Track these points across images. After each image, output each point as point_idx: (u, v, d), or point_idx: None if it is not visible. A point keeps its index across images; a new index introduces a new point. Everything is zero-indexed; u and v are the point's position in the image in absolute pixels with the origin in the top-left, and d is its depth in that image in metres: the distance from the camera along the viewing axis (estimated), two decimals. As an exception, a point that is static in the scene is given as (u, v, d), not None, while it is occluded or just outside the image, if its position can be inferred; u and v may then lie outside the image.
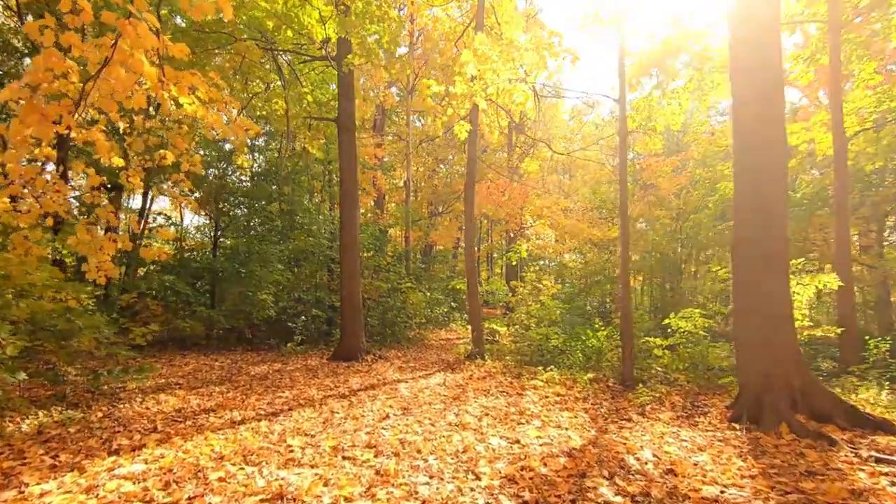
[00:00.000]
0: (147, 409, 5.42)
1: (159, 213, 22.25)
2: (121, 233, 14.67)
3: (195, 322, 10.70)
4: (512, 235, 21.07)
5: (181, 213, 19.43)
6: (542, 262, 17.70)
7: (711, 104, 13.30)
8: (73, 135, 4.47)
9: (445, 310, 17.81)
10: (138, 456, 3.84)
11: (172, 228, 13.82)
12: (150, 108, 6.57)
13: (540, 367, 8.24)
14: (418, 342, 13.43)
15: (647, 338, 7.82)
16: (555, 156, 17.49)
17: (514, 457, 4.05)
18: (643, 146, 13.20)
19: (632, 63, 10.67)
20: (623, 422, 5.47)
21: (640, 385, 6.99)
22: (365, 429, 4.87)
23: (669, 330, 7.98)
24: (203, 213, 14.19)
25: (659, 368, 7.39)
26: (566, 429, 5.14)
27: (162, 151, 5.92)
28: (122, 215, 14.55)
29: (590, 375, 7.19)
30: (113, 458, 3.80)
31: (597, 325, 8.34)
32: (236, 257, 12.22)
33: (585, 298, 14.52)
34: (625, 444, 4.52)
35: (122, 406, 5.37)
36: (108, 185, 13.47)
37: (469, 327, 13.89)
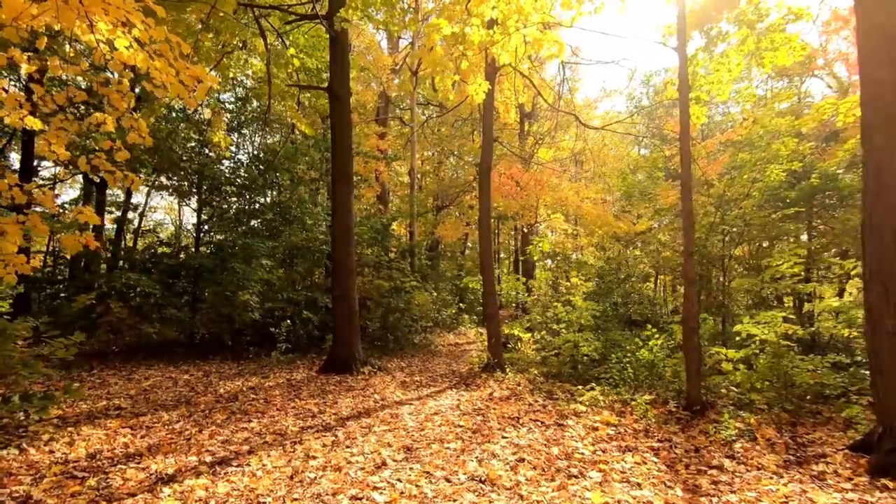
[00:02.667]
0: (50, 453, 3.90)
1: (154, 210, 21.00)
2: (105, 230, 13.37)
3: (165, 327, 9.22)
4: (525, 231, 19.49)
5: (180, 212, 18.07)
6: (557, 259, 16.11)
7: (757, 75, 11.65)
8: None
9: (454, 311, 16.25)
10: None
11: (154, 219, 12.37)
12: (70, 47, 4.98)
13: (577, 385, 6.67)
14: (424, 348, 11.88)
15: (713, 348, 6.21)
16: (577, 142, 15.96)
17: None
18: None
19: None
20: (713, 471, 3.89)
21: (710, 410, 5.42)
22: (350, 489, 3.33)
23: (738, 338, 6.39)
24: (185, 203, 12.74)
25: (733, 388, 5.79)
26: (638, 484, 3.58)
27: (98, 115, 4.46)
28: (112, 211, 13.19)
29: (646, 398, 5.60)
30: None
31: (648, 332, 6.71)
32: (220, 253, 10.77)
33: (606, 300, 12.91)
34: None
35: (10, 451, 3.85)
36: (89, 176, 12.09)
37: (482, 332, 12.34)
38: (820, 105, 9.43)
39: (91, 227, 7.29)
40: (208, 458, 3.85)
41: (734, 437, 4.58)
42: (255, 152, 12.76)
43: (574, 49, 13.79)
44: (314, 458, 3.96)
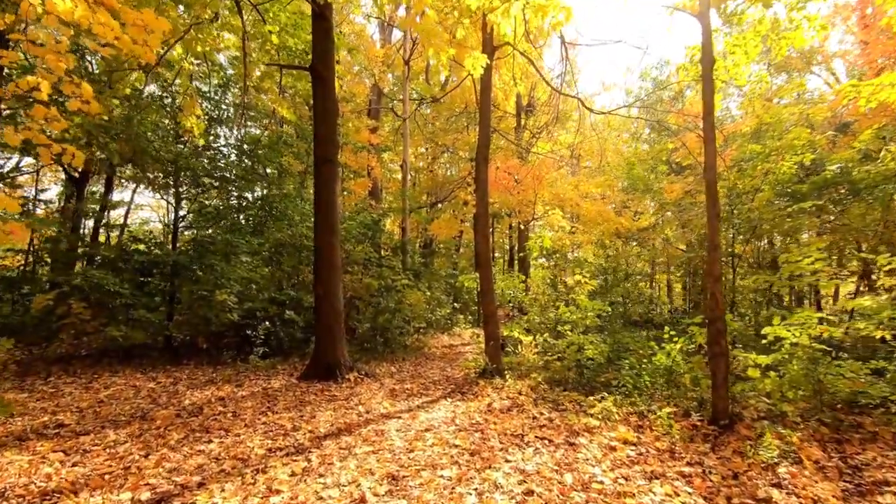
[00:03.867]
0: (-53, 490, 3.16)
1: (141, 207, 20.09)
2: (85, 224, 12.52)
3: (134, 330, 8.45)
4: (522, 228, 18.84)
5: (169, 209, 17.18)
6: (556, 257, 15.45)
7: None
8: None
9: (448, 311, 15.54)
10: None
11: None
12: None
13: (585, 394, 6.00)
14: (416, 351, 11.17)
15: (741, 352, 5.55)
16: (577, 135, 15.24)
17: None
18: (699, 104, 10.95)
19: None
20: (761, 505, 3.22)
21: (739, 424, 4.76)
22: (316, 540, 2.62)
23: (763, 341, 5.74)
24: (161, 196, 11.95)
25: (764, 399, 5.14)
26: (675, 527, 2.90)
27: (30, 78, 3.74)
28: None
29: (667, 410, 4.93)
30: None
31: (667, 334, 6.02)
32: (199, 250, 10.02)
33: (606, 299, 12.24)
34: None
35: None
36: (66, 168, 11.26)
37: (479, 333, 11.68)
38: (842, 88, 8.81)
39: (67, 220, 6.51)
40: (145, 496, 3.12)
41: (776, 460, 3.91)
42: (237, 143, 11.98)
43: (576, 30, 13.08)
44: (277, 492, 3.24)
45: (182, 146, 9.97)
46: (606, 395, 5.75)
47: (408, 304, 11.52)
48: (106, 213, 13.75)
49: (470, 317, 19.28)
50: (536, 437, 4.56)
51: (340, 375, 7.21)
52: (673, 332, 5.59)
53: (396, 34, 20.05)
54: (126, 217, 15.40)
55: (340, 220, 12.58)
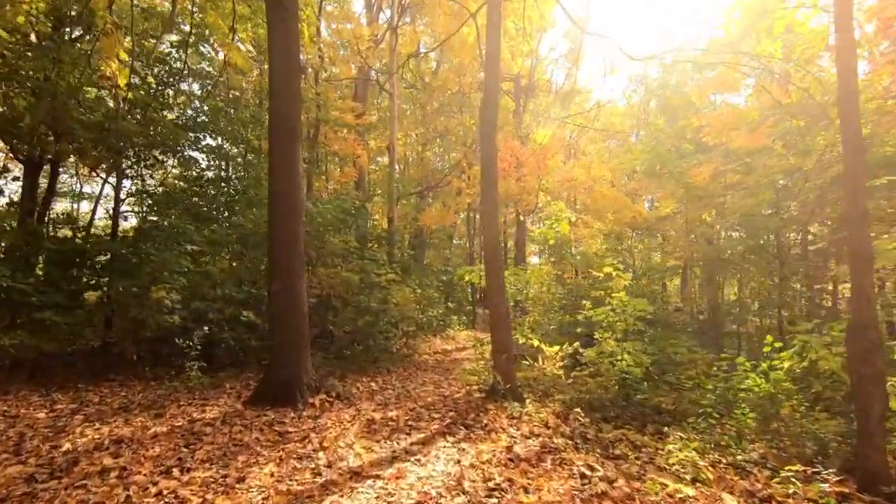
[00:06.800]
0: None
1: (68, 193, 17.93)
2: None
3: (35, 336, 6.50)
4: (522, 219, 17.11)
5: (114, 188, 15.00)
6: (564, 251, 13.75)
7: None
8: None
9: (441, 311, 13.72)
10: None
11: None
12: None
13: (636, 427, 4.25)
14: (405, 360, 9.35)
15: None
16: (584, 115, 13.57)
17: None
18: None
19: None
20: None
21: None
22: None
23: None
24: (95, 175, 9.94)
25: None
26: None
27: None
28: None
29: (790, 467, 3.19)
30: None
31: (769, 345, 4.17)
32: (141, 237, 8.19)
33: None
34: None
35: None
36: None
37: (476, 336, 9.99)
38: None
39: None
40: None
41: None
42: (191, 112, 10.00)
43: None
44: None
45: (115, 110, 8.02)
46: (666, 428, 4.02)
47: (394, 303, 9.69)
48: (49, 204, 11.68)
49: (464, 317, 17.52)
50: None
51: (302, 399, 5.38)
52: (779, 344, 3.87)
53: (383, 17, 18.24)
54: (95, 208, 13.28)
55: (316, 203, 10.79)
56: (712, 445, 3.81)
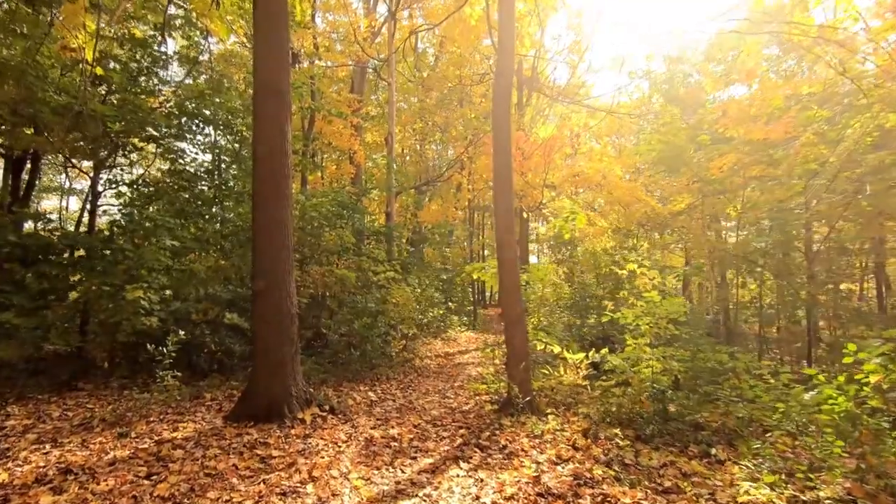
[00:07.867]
0: None
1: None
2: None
3: (-9, 342, 5.79)
4: (525, 216, 16.43)
5: (91, 178, 14.23)
6: (571, 249, 13.13)
7: None
8: None
9: (442, 311, 13.04)
10: None
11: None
12: None
13: (679, 449, 3.61)
14: (405, 365, 8.66)
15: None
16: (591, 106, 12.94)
17: None
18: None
19: None
20: None
21: None
22: None
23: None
24: (70, 165, 9.18)
25: None
26: None
27: None
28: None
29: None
30: None
31: (849, 354, 3.47)
32: (117, 231, 7.48)
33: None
34: None
35: None
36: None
37: (477, 337, 9.40)
38: None
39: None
40: None
41: None
42: (174, 97, 9.26)
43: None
44: None
45: (85, 85, 7.28)
46: (713, 450, 3.36)
47: (393, 303, 9.01)
48: (28, 199, 10.90)
49: (465, 318, 16.83)
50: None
51: (290, 413, 4.69)
52: (863, 354, 3.22)
53: (381, 9, 17.54)
54: (85, 205, 12.49)
55: (310, 196, 10.10)
56: (782, 476, 3.16)
